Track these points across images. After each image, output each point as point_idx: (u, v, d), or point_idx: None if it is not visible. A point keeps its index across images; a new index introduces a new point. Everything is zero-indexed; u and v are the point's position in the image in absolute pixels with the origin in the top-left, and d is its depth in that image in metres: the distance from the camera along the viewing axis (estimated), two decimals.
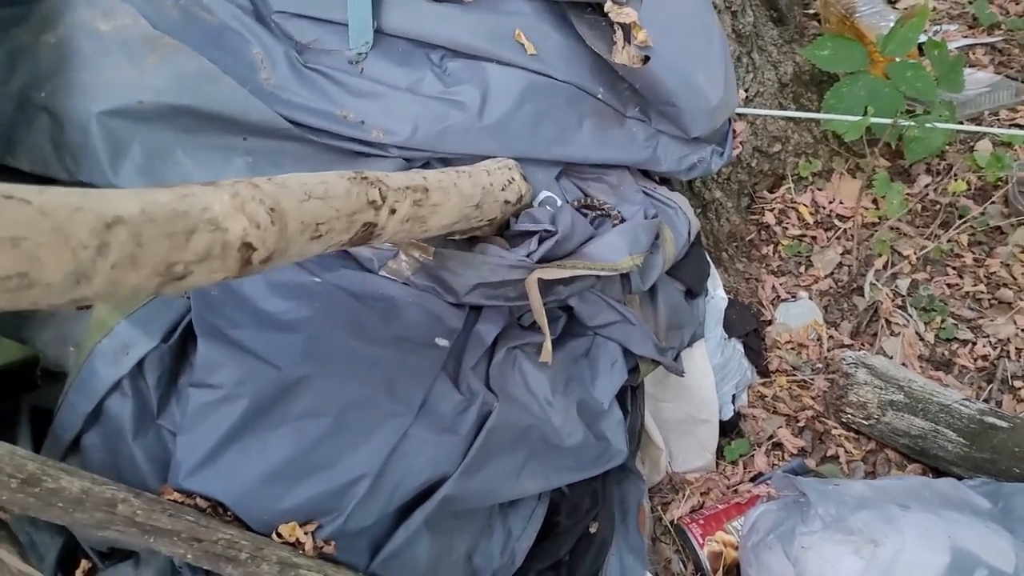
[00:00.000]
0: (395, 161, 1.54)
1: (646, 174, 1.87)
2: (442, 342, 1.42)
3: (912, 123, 2.16)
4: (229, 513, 1.23)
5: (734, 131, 1.92)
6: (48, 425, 1.31)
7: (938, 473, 1.98)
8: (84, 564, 1.31)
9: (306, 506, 1.24)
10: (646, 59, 1.62)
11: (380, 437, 1.28)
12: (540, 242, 1.50)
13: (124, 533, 1.14)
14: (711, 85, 1.73)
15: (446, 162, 1.59)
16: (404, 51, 1.60)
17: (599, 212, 1.65)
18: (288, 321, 1.32)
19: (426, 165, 1.57)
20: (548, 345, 1.50)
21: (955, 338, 2.22)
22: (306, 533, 1.25)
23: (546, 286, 1.52)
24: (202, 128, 1.46)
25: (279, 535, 1.24)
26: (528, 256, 1.48)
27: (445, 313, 1.46)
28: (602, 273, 1.55)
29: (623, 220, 1.67)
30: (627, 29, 1.62)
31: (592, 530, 1.60)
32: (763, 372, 2.18)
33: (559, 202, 1.65)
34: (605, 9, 1.61)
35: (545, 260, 1.51)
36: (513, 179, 1.52)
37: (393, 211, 1.15)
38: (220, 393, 1.22)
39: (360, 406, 1.28)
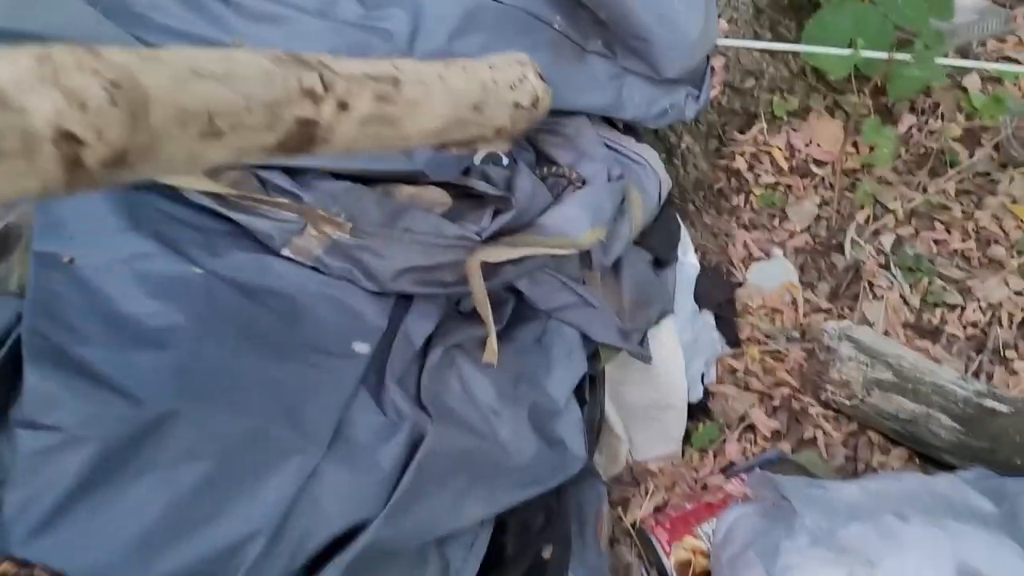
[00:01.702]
0: None
1: (608, 121, 1.58)
2: (361, 348, 1.13)
3: (910, 58, 1.88)
4: None
5: (712, 70, 1.64)
6: None
7: (926, 459, 1.77)
8: None
9: (184, 574, 0.96)
10: None
11: (279, 481, 1.00)
12: (494, 216, 1.22)
13: None
14: (690, 15, 1.45)
15: None
16: None
17: (558, 177, 1.36)
18: (155, 330, 1.01)
19: None
20: (493, 343, 1.23)
21: (943, 303, 2.00)
22: None
23: (491, 268, 1.24)
24: None
25: None
26: (478, 234, 1.19)
27: (365, 308, 1.17)
28: (559, 251, 1.27)
29: (583, 183, 1.38)
30: None
31: (545, 555, 1.35)
32: (733, 341, 1.93)
33: (505, 160, 1.36)
34: None
35: (492, 236, 1.22)
36: (526, 77, 1.22)
37: (344, 106, 0.86)
38: (60, 436, 0.92)
39: (251, 444, 0.99)
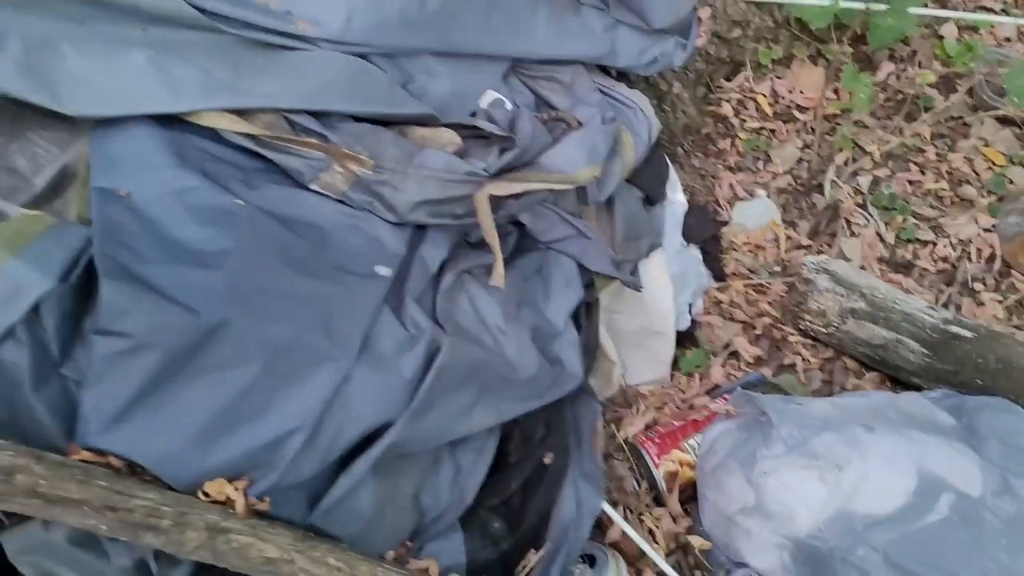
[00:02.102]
0: (324, 55, 1.36)
1: (602, 69, 1.70)
2: (383, 271, 1.27)
3: (885, 6, 2.00)
4: (148, 473, 1.09)
5: (698, 20, 1.75)
6: None
7: (896, 382, 1.92)
8: None
9: (235, 463, 1.11)
10: None
11: (316, 384, 1.14)
12: (500, 154, 1.35)
13: (26, 506, 1.00)
14: None
15: (388, 57, 1.41)
16: None
17: (557, 120, 1.48)
18: (206, 253, 1.15)
19: (362, 58, 1.39)
20: (500, 268, 1.37)
21: (916, 239, 2.13)
22: (236, 490, 1.12)
23: (496, 201, 1.37)
24: (92, 16, 1.28)
25: (205, 494, 1.10)
26: (485, 170, 1.33)
27: (385, 236, 1.31)
28: (557, 186, 1.41)
29: (579, 125, 1.51)
30: None
31: (546, 460, 1.50)
32: (719, 276, 2.07)
33: (508, 105, 1.49)
34: None
35: (498, 173, 1.36)
36: None
37: None
38: (129, 342, 1.06)
39: (292, 350, 1.14)
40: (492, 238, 1.35)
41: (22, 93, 1.20)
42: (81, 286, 1.12)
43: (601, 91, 1.62)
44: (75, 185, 1.29)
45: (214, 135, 1.29)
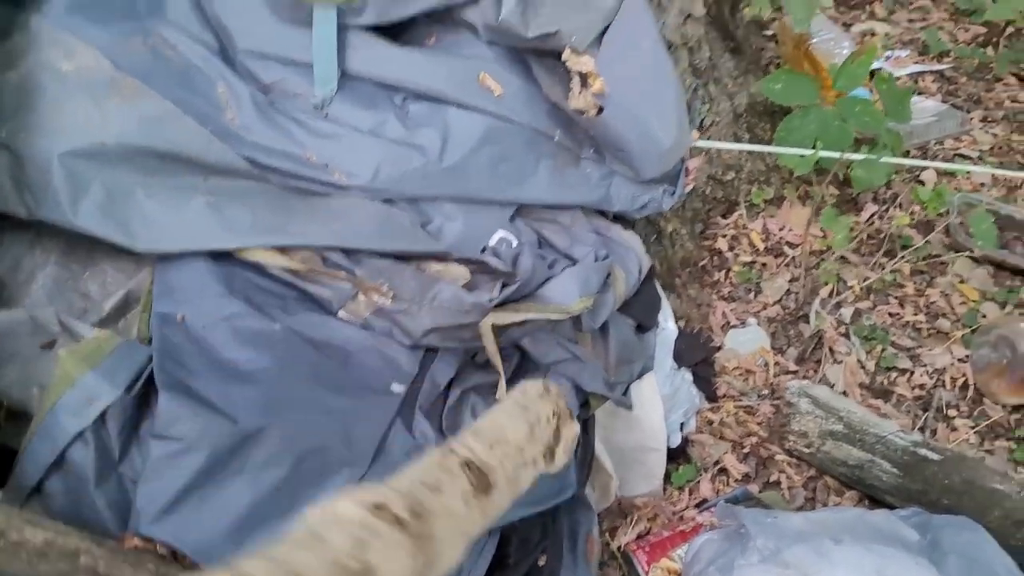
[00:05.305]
0: (355, 201, 1.58)
1: (600, 211, 1.92)
2: (397, 388, 1.47)
3: (859, 158, 2.22)
4: (187, 560, 1.26)
5: (687, 170, 1.97)
6: (5, 461, 1.33)
7: (873, 500, 2.06)
8: None
9: None
10: (601, 108, 1.66)
11: (334, 485, 1.32)
12: (502, 288, 1.55)
13: None
14: (664, 130, 1.77)
15: (410, 201, 1.63)
16: (368, 93, 1.63)
17: (556, 256, 1.70)
18: (248, 371, 1.35)
19: (388, 202, 1.61)
20: (503, 386, 1.56)
21: (894, 367, 2.30)
22: None
23: (500, 328, 1.57)
24: (163, 169, 1.49)
25: None
26: (488, 301, 1.53)
27: (401, 357, 1.51)
28: (554, 316, 1.60)
29: (575, 262, 1.72)
30: (584, 77, 1.66)
31: (540, 563, 1.65)
32: (711, 397, 2.25)
33: (514, 243, 1.70)
34: (563, 57, 1.65)
35: (501, 304, 1.56)
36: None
37: None
38: (180, 445, 1.25)
39: (315, 456, 1.32)
40: (496, 360, 1.55)
41: (102, 233, 1.42)
42: (140, 396, 1.33)
43: (597, 232, 1.82)
44: (136, 309, 1.51)
45: (258, 268, 1.50)
